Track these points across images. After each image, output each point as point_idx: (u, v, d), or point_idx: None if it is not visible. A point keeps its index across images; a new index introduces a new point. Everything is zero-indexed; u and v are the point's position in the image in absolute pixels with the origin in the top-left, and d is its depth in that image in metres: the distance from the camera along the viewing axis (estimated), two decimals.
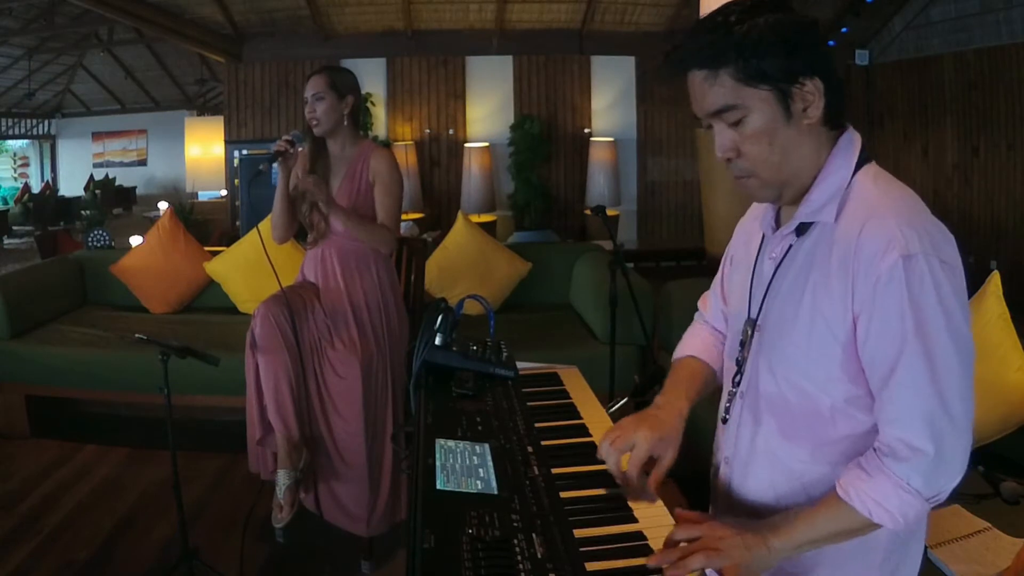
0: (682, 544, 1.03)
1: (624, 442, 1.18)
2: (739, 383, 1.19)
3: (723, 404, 1.24)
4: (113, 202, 14.29)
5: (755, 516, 1.14)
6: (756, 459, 1.16)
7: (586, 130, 7.68)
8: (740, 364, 1.19)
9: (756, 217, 1.24)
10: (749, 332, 1.17)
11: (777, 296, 1.12)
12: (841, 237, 1.03)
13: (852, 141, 1.08)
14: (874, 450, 1.02)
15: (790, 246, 1.11)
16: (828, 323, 1.04)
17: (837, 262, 1.03)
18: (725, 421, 1.23)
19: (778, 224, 1.16)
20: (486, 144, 7.41)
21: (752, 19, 1.00)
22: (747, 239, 1.25)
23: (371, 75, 7.39)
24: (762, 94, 1.02)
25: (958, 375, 0.98)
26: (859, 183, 1.05)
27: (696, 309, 1.44)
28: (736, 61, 1.00)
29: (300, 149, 2.55)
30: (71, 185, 15.31)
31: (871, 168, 1.07)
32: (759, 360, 1.14)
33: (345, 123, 2.59)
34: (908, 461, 0.98)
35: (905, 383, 0.98)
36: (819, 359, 1.06)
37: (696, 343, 1.38)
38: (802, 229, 1.09)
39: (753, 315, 1.16)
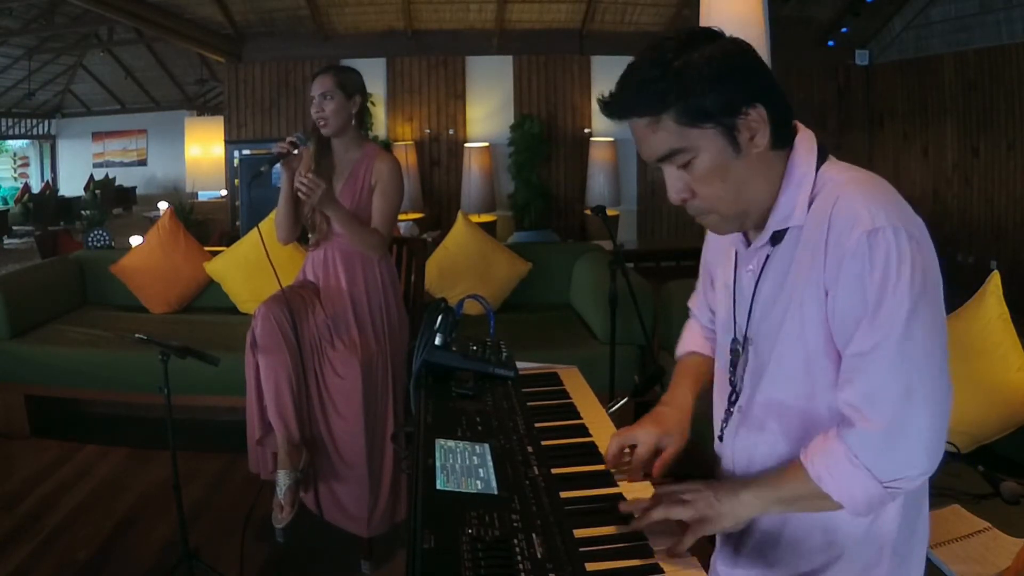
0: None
1: (629, 436, 1.25)
2: (735, 401, 1.18)
3: (719, 423, 1.23)
4: (113, 202, 14.31)
5: (756, 523, 1.14)
6: (756, 469, 1.15)
7: (586, 130, 7.68)
8: (734, 384, 1.18)
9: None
10: (739, 350, 1.16)
11: (764, 307, 1.11)
12: (814, 226, 1.02)
13: (805, 143, 1.06)
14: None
15: (767, 256, 1.10)
16: (814, 318, 1.03)
17: (811, 251, 1.02)
18: (721, 439, 1.22)
19: (748, 239, 1.14)
20: (486, 144, 7.40)
21: (688, 55, 0.98)
22: (722, 251, 1.24)
23: (371, 75, 7.36)
24: (707, 133, 0.99)
25: (922, 350, 0.95)
26: (824, 177, 1.04)
27: None
28: (677, 104, 0.98)
29: (303, 150, 2.55)
30: (71, 185, 15.33)
31: (832, 163, 1.07)
32: (755, 372, 1.13)
33: (352, 123, 2.59)
34: (855, 427, 0.97)
35: (860, 351, 0.97)
36: (813, 360, 1.05)
37: (695, 338, 1.41)
38: (776, 238, 1.08)
39: (741, 332, 1.15)
